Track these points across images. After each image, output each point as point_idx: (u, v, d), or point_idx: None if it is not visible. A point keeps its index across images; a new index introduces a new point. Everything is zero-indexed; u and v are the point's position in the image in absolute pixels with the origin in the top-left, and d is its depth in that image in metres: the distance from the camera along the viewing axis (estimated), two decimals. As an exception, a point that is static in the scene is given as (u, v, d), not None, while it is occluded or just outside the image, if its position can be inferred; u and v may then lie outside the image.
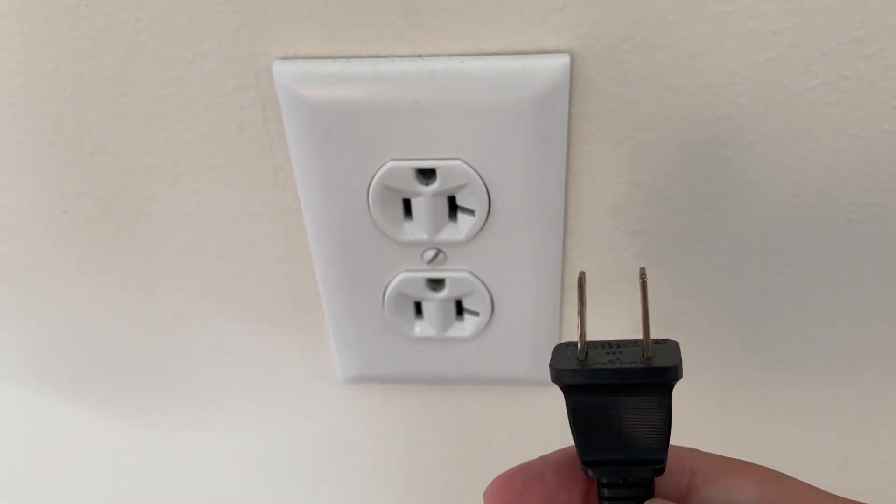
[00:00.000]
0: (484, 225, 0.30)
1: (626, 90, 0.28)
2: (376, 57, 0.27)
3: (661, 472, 0.21)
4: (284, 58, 0.28)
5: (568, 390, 0.21)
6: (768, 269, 0.32)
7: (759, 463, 0.22)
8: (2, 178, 0.32)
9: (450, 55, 0.27)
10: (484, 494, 0.22)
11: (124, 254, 0.34)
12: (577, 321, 0.21)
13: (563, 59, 0.27)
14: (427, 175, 0.29)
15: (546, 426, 0.39)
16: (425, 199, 0.29)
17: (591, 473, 0.21)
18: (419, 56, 0.27)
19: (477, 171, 0.29)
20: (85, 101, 0.30)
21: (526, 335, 0.33)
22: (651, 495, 0.21)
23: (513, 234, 0.30)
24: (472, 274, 0.32)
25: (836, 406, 0.36)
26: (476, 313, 0.33)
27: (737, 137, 0.28)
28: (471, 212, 0.30)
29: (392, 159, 0.29)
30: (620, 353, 0.20)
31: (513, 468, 0.22)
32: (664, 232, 0.31)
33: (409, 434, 0.40)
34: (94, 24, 0.28)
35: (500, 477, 0.22)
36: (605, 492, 0.21)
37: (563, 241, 0.32)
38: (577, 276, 0.21)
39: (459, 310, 0.34)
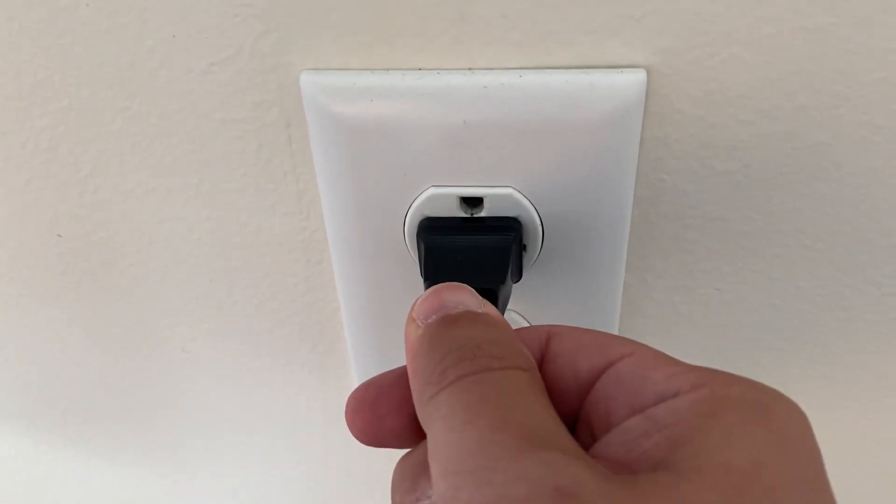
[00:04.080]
0: (535, 261, 0.26)
1: (707, 112, 0.24)
2: (420, 69, 0.24)
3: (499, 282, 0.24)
4: (313, 68, 0.25)
5: (426, 231, 0.25)
6: (852, 314, 0.28)
7: None
8: (-12, 199, 0.29)
9: (505, 68, 0.24)
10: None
11: (126, 283, 0.31)
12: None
13: (639, 75, 0.23)
14: (472, 204, 0.26)
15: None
16: (470, 231, 0.26)
17: None
18: (469, 69, 0.24)
19: (531, 202, 0.25)
20: (83, 114, 0.27)
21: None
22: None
23: (567, 274, 0.27)
24: (520, 314, 0.28)
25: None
26: (521, 358, 0.29)
27: (832, 168, 0.25)
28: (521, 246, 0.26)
29: (433, 185, 0.25)
30: None
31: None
32: (738, 271, 0.28)
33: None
34: (94, 26, 0.25)
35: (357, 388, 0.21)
36: None
37: (623, 280, 0.28)
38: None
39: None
